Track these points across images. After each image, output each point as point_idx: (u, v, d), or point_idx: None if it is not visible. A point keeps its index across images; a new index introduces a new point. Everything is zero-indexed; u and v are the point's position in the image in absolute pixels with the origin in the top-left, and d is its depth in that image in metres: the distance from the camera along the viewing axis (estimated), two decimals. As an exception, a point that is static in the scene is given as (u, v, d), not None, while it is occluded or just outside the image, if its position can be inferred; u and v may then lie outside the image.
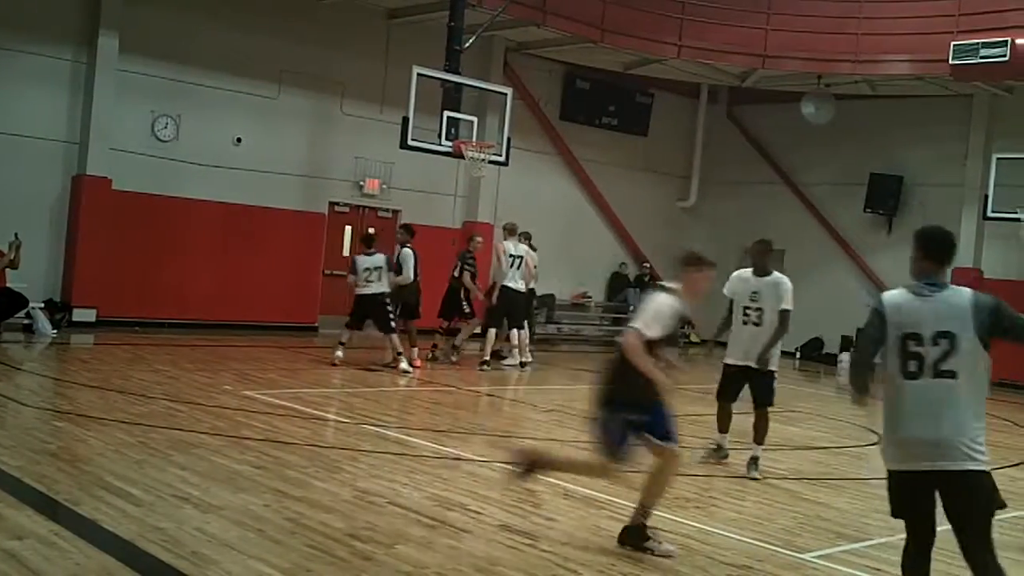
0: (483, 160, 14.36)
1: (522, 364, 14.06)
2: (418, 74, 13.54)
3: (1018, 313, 4.31)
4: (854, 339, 19.34)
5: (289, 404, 9.51)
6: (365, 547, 5.20)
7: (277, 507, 5.76)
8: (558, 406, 11.12)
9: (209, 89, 15.58)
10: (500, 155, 14.69)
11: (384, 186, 17.42)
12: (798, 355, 19.49)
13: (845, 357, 18.91)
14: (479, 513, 6.08)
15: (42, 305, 13.92)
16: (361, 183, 17.25)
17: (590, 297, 20.62)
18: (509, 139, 14.82)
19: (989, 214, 16.99)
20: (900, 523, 6.87)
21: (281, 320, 16.31)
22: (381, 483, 6.62)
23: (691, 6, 17.69)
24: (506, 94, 15.01)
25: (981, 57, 15.89)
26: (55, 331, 13.72)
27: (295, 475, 6.61)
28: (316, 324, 16.84)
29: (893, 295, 4.41)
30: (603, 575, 5.11)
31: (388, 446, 7.98)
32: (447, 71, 14.15)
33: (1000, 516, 7.41)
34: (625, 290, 20.71)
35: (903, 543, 6.28)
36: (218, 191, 15.61)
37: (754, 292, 8.26)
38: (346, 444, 8.10)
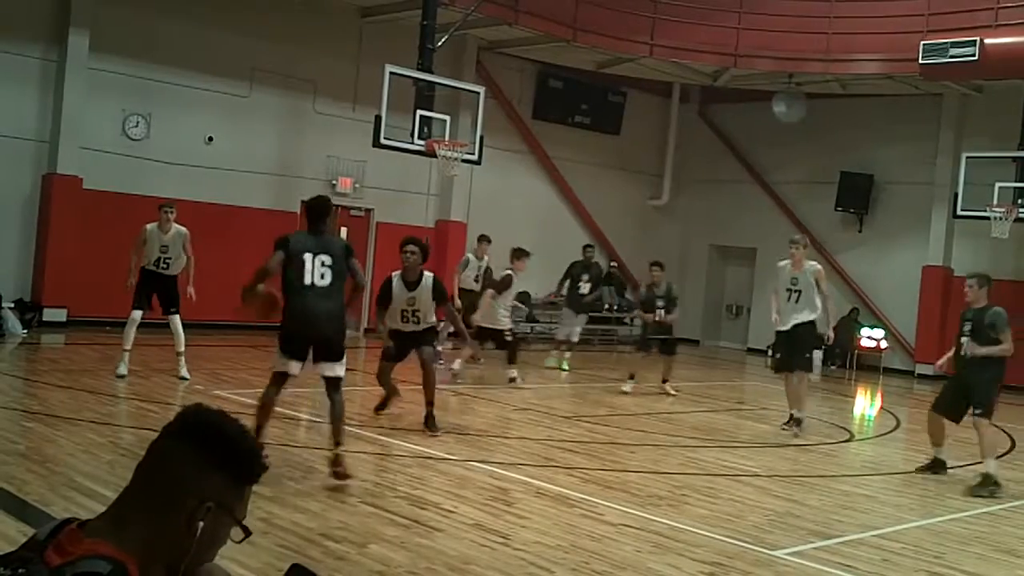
0: (456, 159, 14.34)
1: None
2: (390, 73, 13.49)
3: None
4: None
5: (261, 404, 9.45)
6: (338, 547, 5.19)
7: (249, 507, 5.71)
8: (531, 405, 11.13)
9: (180, 88, 15.46)
10: (473, 154, 14.67)
11: (357, 185, 17.36)
12: (770, 353, 19.59)
13: (817, 355, 19.04)
14: (452, 512, 6.08)
15: (12, 305, 13.77)
16: (333, 182, 17.17)
17: (563, 296, 20.61)
18: (482, 138, 14.81)
19: (959, 212, 17.15)
20: (871, 520, 6.97)
21: (253, 320, 16.17)
22: (353, 483, 6.59)
23: (663, 5, 17.74)
24: (479, 93, 14.99)
25: (950, 56, 16.04)
26: (25, 331, 13.57)
27: (268, 475, 6.55)
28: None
29: None
30: (576, 573, 5.12)
31: (361, 445, 7.95)
32: (420, 70, 14.12)
33: (968, 511, 7.51)
34: (599, 288, 20.71)
35: (874, 540, 6.36)
36: (189, 190, 15.48)
37: None
38: (319, 444, 8.06)
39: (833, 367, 19.16)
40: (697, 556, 5.59)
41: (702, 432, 10.28)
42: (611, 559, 5.38)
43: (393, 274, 9.01)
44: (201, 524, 1.73)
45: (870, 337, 19.29)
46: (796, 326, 10.35)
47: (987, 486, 8.11)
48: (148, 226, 10.52)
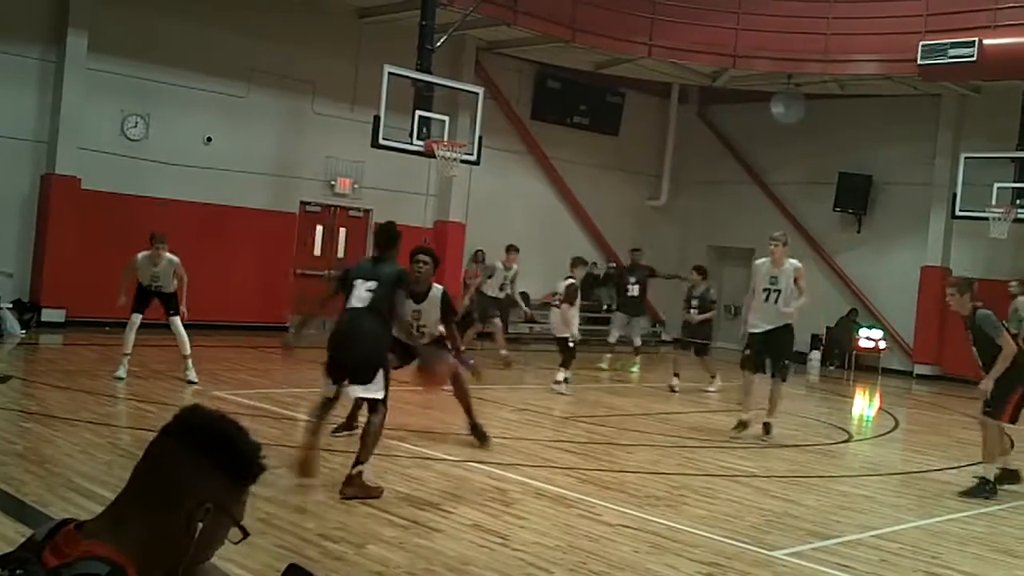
0: (454, 159, 14.35)
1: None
2: (389, 73, 13.51)
3: None
4: (823, 337, 19.57)
5: (260, 404, 9.46)
6: (336, 547, 5.19)
7: (248, 507, 5.71)
8: (529, 405, 11.14)
9: (179, 88, 15.46)
10: (472, 154, 14.69)
11: (355, 185, 17.36)
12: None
13: (815, 356, 19.07)
14: (451, 512, 6.08)
15: (10, 305, 13.77)
16: (332, 182, 17.18)
17: (560, 296, 20.61)
18: (481, 138, 14.82)
19: (957, 213, 17.16)
20: (869, 521, 6.97)
21: (252, 320, 16.20)
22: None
23: (662, 6, 17.75)
24: (477, 93, 15.00)
25: (949, 57, 16.06)
26: (24, 331, 13.57)
27: (266, 475, 6.55)
28: (287, 324, 16.75)
29: None
30: (574, 573, 5.12)
31: (359, 446, 7.93)
32: (418, 70, 14.13)
33: (966, 511, 7.52)
34: (597, 289, 20.75)
35: (872, 541, 6.37)
36: (188, 190, 15.49)
37: None
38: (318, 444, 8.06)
39: (831, 367, 19.16)
40: (695, 556, 5.59)
41: (700, 432, 10.29)
42: (609, 559, 5.38)
43: (403, 270, 8.84)
44: (199, 525, 1.73)
45: (868, 337, 19.29)
46: (774, 329, 9.80)
47: (984, 489, 7.98)
48: (139, 256, 10.46)
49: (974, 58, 15.81)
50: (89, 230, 14.49)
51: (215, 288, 15.82)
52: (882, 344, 19.21)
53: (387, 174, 17.07)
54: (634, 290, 15.44)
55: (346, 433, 8.14)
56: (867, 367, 19.09)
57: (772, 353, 9.96)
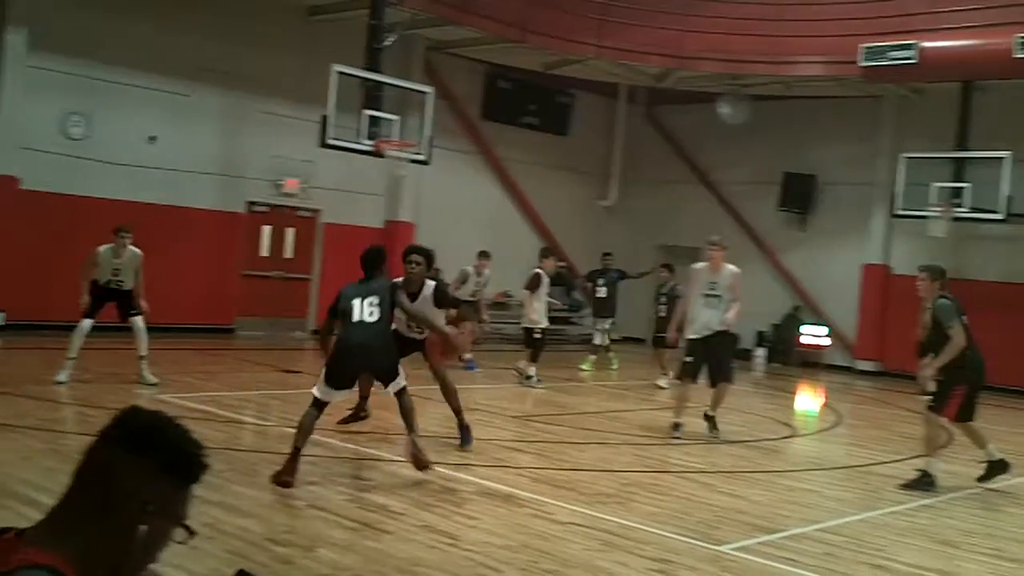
0: (405, 159, 14.30)
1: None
2: (338, 72, 13.43)
3: None
4: (768, 334, 19.85)
5: (206, 407, 9.36)
6: (284, 551, 5.16)
7: (194, 512, 5.65)
8: (480, 405, 11.14)
9: (122, 86, 15.20)
10: (422, 154, 14.65)
11: (304, 185, 17.22)
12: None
13: (761, 353, 19.33)
14: (401, 514, 6.07)
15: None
16: (279, 182, 17.02)
17: (511, 296, 20.68)
18: (431, 138, 14.78)
19: (897, 212, 17.50)
20: (814, 514, 7.09)
21: (198, 322, 16.00)
22: (300, 486, 6.55)
23: (610, 7, 17.86)
24: (427, 93, 14.97)
25: (890, 59, 16.38)
26: (-39, 335, 13.27)
27: (212, 480, 6.50)
28: (233, 326, 16.59)
29: None
30: (525, 572, 5.15)
31: (307, 448, 7.86)
32: (368, 69, 14.06)
33: (907, 503, 7.68)
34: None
35: (817, 534, 6.48)
36: (131, 190, 15.24)
37: None
38: (264, 447, 8.01)
39: (776, 364, 19.43)
40: (645, 553, 5.65)
41: (650, 430, 10.38)
42: (560, 558, 5.42)
43: (396, 281, 8.82)
44: (143, 527, 1.72)
45: (812, 334, 19.61)
46: (716, 335, 9.77)
47: (923, 482, 8.13)
48: (100, 248, 10.29)
49: (914, 60, 16.15)
50: (30, 231, 14.20)
51: (160, 289, 15.52)
52: (825, 341, 19.53)
53: (336, 174, 16.96)
54: (602, 292, 15.76)
55: (354, 423, 8.48)
56: (811, 363, 19.40)
57: (715, 358, 9.91)
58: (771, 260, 20.50)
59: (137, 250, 10.36)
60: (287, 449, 7.60)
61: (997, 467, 8.39)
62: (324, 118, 13.34)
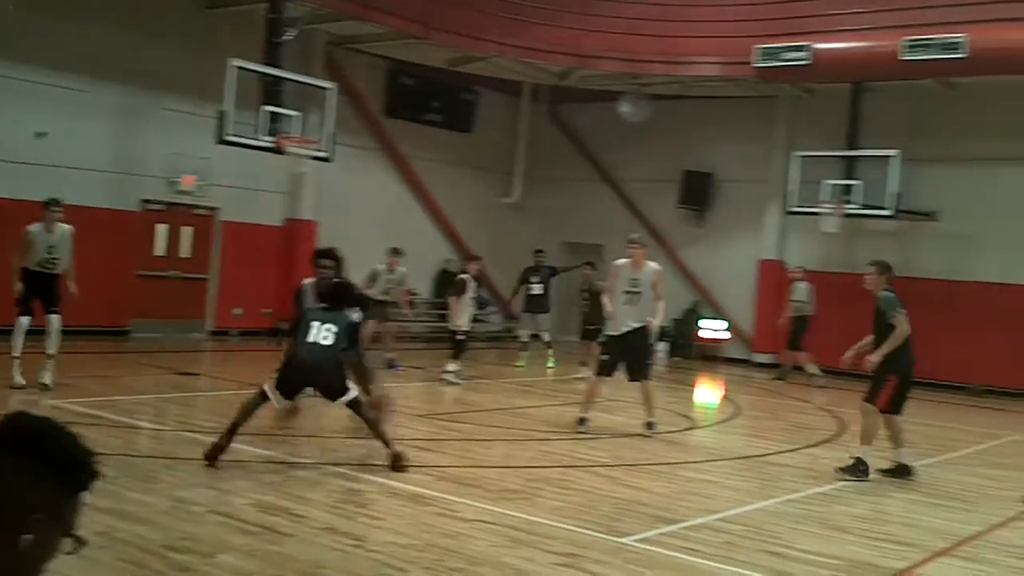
0: (306, 156, 14.10)
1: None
2: (236, 67, 13.16)
3: None
4: (672, 328, 20.19)
5: (100, 412, 9.06)
6: (183, 558, 5.03)
7: (86, 521, 5.45)
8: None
9: (11, 80, 14.55)
10: (324, 151, 14.48)
11: (200, 183, 16.78)
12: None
13: (662, 347, 19.64)
14: (303, 517, 5.98)
15: None
16: (176, 180, 16.56)
17: (417, 294, 20.58)
18: (333, 135, 14.61)
19: (791, 209, 17.99)
20: (714, 504, 7.24)
21: (90, 324, 15.44)
22: (200, 491, 6.41)
23: (513, 5, 17.92)
24: (329, 89, 14.79)
25: (784, 60, 16.86)
26: None
27: (106, 487, 6.29)
28: (128, 328, 16.11)
29: None
30: (431, 571, 5.13)
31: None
32: (267, 64, 13.81)
33: (803, 491, 7.91)
34: (451, 287, 20.78)
35: (717, 524, 6.62)
36: (18, 188, 14.61)
37: None
38: (161, 452, 7.80)
39: (677, 358, 19.80)
40: (551, 548, 5.69)
41: (554, 425, 10.45)
42: (466, 555, 5.41)
43: (305, 283, 8.69)
44: (29, 538, 1.65)
45: (711, 328, 20.04)
46: (633, 331, 9.90)
47: (858, 469, 8.38)
48: (32, 227, 9.97)
49: (807, 61, 16.65)
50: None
51: (50, 291, 15.07)
52: (724, 334, 19.98)
53: (236, 171, 16.57)
54: (537, 289, 16.15)
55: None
56: (710, 357, 19.83)
57: (632, 355, 10.05)
58: (671, 256, 20.83)
59: (69, 226, 10.09)
60: (185, 453, 7.43)
61: (902, 471, 8.59)
62: (222, 114, 13.07)
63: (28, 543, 1.65)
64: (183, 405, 10.55)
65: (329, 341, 7.40)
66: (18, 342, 9.87)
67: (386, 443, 7.46)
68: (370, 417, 7.62)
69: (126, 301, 16.00)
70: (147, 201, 16.43)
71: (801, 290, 16.66)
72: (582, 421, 10.04)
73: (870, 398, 8.52)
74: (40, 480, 1.68)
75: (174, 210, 16.80)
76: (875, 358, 8.40)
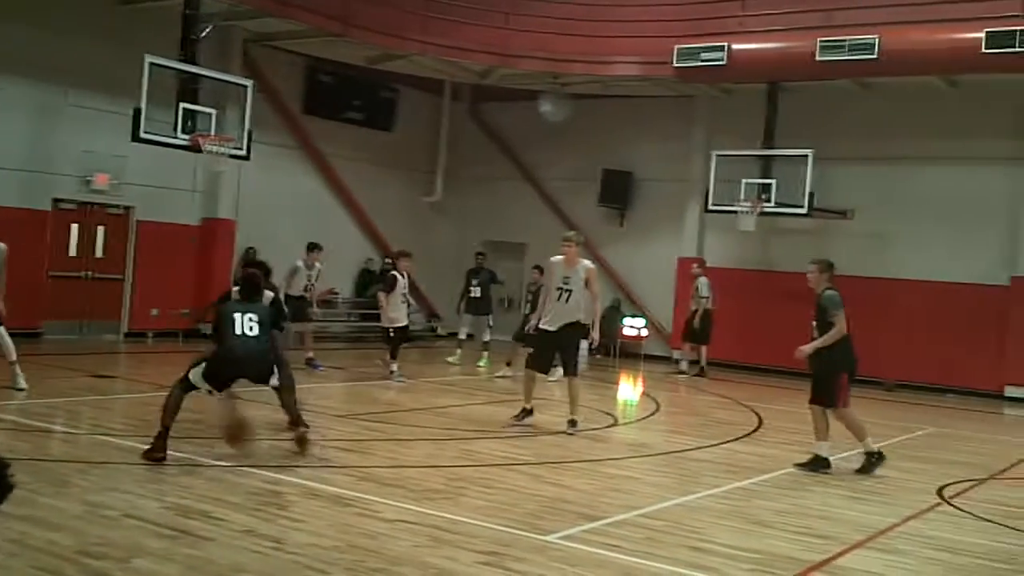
0: (223, 154, 13.88)
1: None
2: (151, 63, 12.88)
3: None
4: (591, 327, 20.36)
5: (9, 417, 8.79)
6: (98, 564, 4.91)
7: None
8: (305, 404, 10.92)
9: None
10: (241, 149, 14.27)
11: (115, 181, 16.37)
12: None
13: (583, 345, 19.72)
14: (222, 520, 5.88)
15: None
16: (89, 178, 16.13)
17: (337, 293, 20.41)
18: (250, 132, 14.41)
19: (710, 207, 18.29)
20: (635, 501, 7.33)
21: (0, 326, 14.97)
22: (114, 495, 6.26)
23: (435, 3, 17.89)
24: (246, 86, 14.58)
25: (702, 60, 17.15)
26: None
27: (18, 492, 6.09)
28: (41, 329, 15.64)
29: None
30: (352, 572, 5.09)
31: (122, 456, 7.55)
32: (183, 61, 13.56)
33: (723, 486, 8.05)
34: (373, 285, 20.64)
35: (639, 520, 6.69)
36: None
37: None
38: (74, 456, 7.60)
39: (598, 355, 19.96)
40: (474, 546, 5.69)
41: (476, 424, 10.46)
42: (387, 556, 5.38)
43: (233, 290, 8.69)
44: None
45: (631, 326, 20.27)
46: (564, 327, 10.12)
47: (815, 464, 8.77)
48: None
49: (724, 62, 16.96)
50: None
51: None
52: (644, 332, 20.23)
53: (151, 170, 16.21)
54: (476, 291, 16.44)
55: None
56: (631, 354, 20.06)
57: (562, 350, 10.40)
58: (592, 254, 21.00)
59: (2, 244, 9.80)
60: (99, 457, 7.26)
61: (820, 463, 8.86)
62: (137, 111, 12.80)
63: None
64: (97, 408, 10.28)
65: (255, 332, 7.64)
66: None
67: (297, 422, 8.03)
68: (289, 400, 8.06)
69: (38, 302, 15.53)
70: (60, 200, 15.98)
71: (703, 285, 17.28)
72: (527, 412, 10.36)
73: (829, 402, 8.82)
74: None
75: (87, 209, 16.37)
76: (807, 349, 8.77)
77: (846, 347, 8.80)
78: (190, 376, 7.55)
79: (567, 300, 10.10)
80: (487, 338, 16.43)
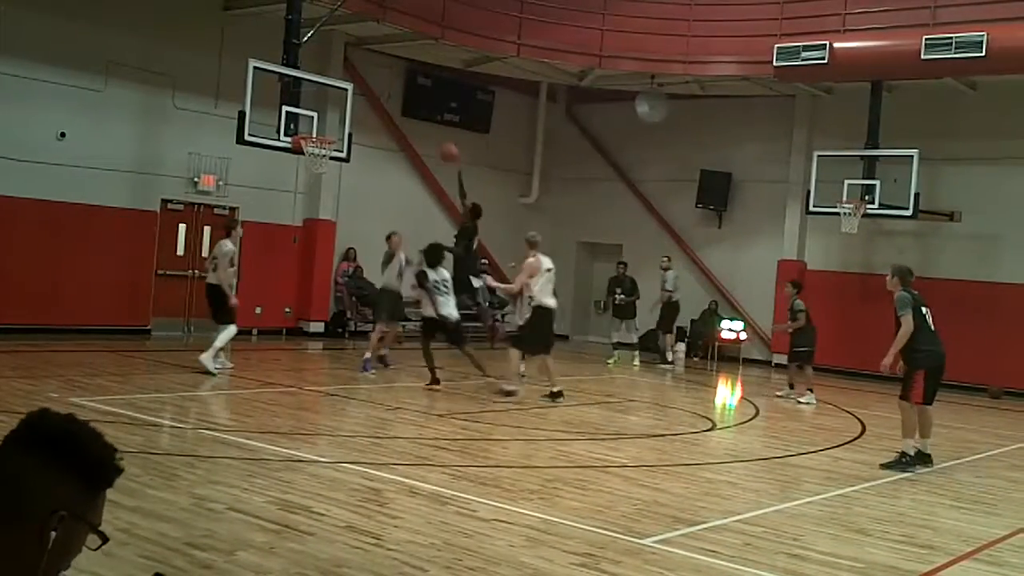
0: (324, 156, 14.15)
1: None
2: (254, 68, 13.21)
3: None
4: (687, 330, 20.15)
5: (121, 410, 9.12)
6: (204, 555, 5.06)
7: (108, 518, 5.49)
8: (405, 404, 11.09)
9: (29, 81, 14.67)
10: (341, 151, 14.52)
11: (220, 182, 16.88)
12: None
13: (680, 348, 19.59)
14: (323, 515, 6.00)
15: None
16: (195, 179, 16.66)
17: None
18: (350, 135, 14.65)
19: (811, 209, 17.89)
20: (733, 506, 7.22)
21: (112, 323, 15.59)
22: (220, 489, 6.45)
23: (530, 5, 17.93)
24: (346, 89, 14.84)
25: (802, 59, 16.78)
26: None
27: (127, 484, 6.34)
28: (149, 327, 16.20)
29: None
30: (449, 570, 5.13)
31: (227, 450, 7.77)
32: (285, 65, 13.87)
33: (823, 493, 7.87)
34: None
35: (736, 525, 6.59)
36: (40, 189, 14.76)
37: None
38: (182, 450, 7.85)
39: (696, 358, 19.73)
40: (569, 548, 5.68)
41: (572, 425, 10.45)
42: (484, 555, 5.41)
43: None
44: (53, 534, 1.66)
45: (730, 329, 19.95)
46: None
47: (900, 462, 8.88)
48: None
49: (825, 60, 16.57)
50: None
51: (72, 290, 15.20)
52: (743, 335, 19.90)
53: (254, 171, 16.68)
54: (620, 298, 17.92)
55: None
56: (729, 358, 19.75)
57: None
58: (689, 257, 20.82)
59: (231, 245, 10.51)
60: (206, 451, 7.47)
61: (924, 459, 9.01)
62: (241, 114, 13.13)
63: (53, 540, 1.66)
64: (204, 403, 10.60)
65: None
66: None
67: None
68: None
69: (147, 301, 16.11)
70: (167, 201, 16.53)
71: (671, 278, 18.41)
72: (556, 395, 11.67)
73: (904, 395, 8.99)
74: (64, 477, 1.69)
75: (194, 209, 16.89)
76: (887, 360, 8.95)
77: (925, 345, 8.90)
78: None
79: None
80: (635, 339, 18.22)
